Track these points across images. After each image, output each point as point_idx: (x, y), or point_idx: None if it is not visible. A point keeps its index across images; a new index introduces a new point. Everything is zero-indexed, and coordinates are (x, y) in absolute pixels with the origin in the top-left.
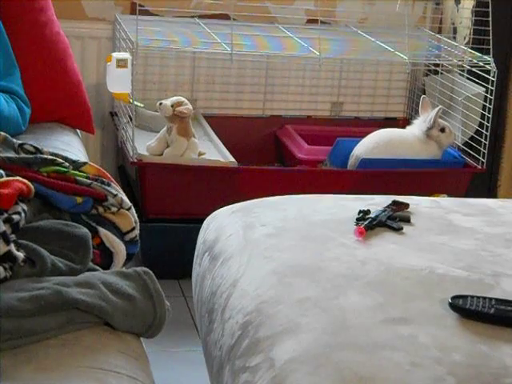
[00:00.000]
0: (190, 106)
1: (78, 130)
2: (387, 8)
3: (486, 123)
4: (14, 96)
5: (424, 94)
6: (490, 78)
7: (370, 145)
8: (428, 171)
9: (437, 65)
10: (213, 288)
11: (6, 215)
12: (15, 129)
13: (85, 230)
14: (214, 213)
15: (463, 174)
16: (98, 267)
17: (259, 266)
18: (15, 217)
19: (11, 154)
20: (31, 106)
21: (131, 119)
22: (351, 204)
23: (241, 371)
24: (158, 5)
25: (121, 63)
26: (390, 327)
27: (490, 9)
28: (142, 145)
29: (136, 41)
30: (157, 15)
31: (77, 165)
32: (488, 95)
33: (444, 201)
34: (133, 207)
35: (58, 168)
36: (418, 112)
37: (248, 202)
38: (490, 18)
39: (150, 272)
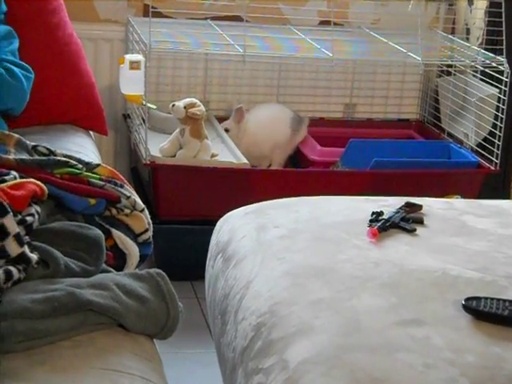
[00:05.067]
0: (202, 108)
1: (91, 132)
2: (400, 9)
3: (499, 124)
4: (13, 68)
5: (437, 95)
6: (504, 78)
7: None
8: (441, 172)
9: (450, 66)
10: (226, 289)
11: (19, 217)
12: (15, 102)
13: (98, 232)
14: (226, 214)
15: (476, 175)
16: (111, 269)
17: (272, 267)
18: (29, 218)
19: (25, 156)
20: (45, 107)
21: (144, 121)
22: (364, 205)
23: (254, 373)
24: (170, 7)
25: (134, 65)
26: (403, 329)
27: (503, 9)
28: (155, 146)
29: (149, 43)
30: (169, 17)
31: (90, 166)
32: (501, 96)
33: (457, 202)
34: (146, 209)
35: (71, 170)
36: (431, 113)
37: (261, 203)
38: (503, 19)
39: (163, 273)
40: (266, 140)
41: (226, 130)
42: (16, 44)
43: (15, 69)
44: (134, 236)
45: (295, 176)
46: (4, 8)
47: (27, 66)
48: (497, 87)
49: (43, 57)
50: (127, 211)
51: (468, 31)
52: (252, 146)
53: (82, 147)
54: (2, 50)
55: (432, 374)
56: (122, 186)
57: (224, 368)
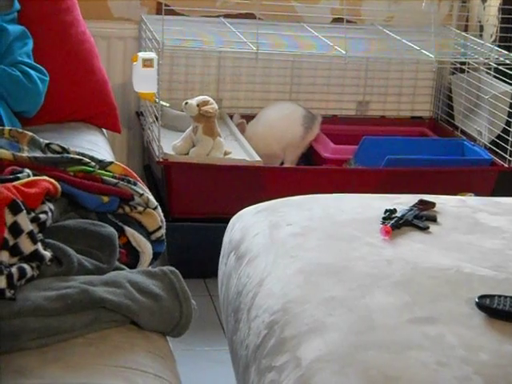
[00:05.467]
0: (215, 106)
1: (105, 130)
2: (413, 6)
3: None
4: (27, 70)
5: (450, 92)
6: None
7: None
8: (455, 170)
9: (463, 63)
10: (239, 287)
11: (33, 214)
12: (30, 104)
13: (111, 230)
14: (239, 212)
15: (490, 173)
16: (124, 266)
17: (285, 265)
18: (42, 216)
19: (38, 154)
20: (59, 105)
21: (157, 119)
22: (377, 203)
23: (267, 370)
24: (183, 4)
25: (147, 63)
26: (416, 327)
27: None
28: (168, 144)
29: (162, 40)
30: (182, 15)
31: (103, 164)
32: None
33: (471, 200)
34: (159, 206)
35: (84, 167)
36: (444, 111)
37: (274, 201)
38: None
39: (176, 271)
40: (278, 140)
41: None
42: (30, 45)
43: (31, 72)
44: (147, 234)
45: (308, 174)
46: (17, 7)
47: (42, 68)
48: (510, 84)
49: (57, 55)
50: (140, 209)
51: (481, 28)
52: (263, 146)
53: (95, 145)
54: (17, 51)
55: (445, 372)
56: (135, 184)
57: (237, 366)
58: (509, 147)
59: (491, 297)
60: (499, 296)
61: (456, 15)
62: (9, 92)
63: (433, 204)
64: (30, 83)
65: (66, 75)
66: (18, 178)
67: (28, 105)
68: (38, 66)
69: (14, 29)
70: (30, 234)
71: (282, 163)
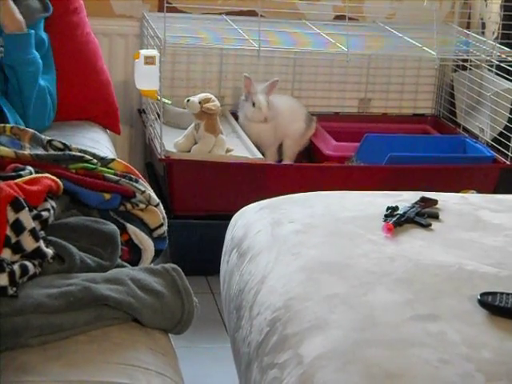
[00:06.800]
0: (217, 103)
1: None
2: (415, 4)
3: None
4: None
5: (452, 89)
6: None
7: None
8: (457, 167)
9: (465, 60)
10: (241, 284)
11: (35, 212)
12: (42, 117)
13: (113, 227)
14: (241, 209)
15: (492, 170)
16: (126, 264)
17: (287, 262)
18: (44, 213)
19: (40, 151)
20: (62, 105)
21: (159, 116)
22: (379, 200)
23: (269, 367)
24: (185, 2)
25: (148, 60)
26: (418, 324)
27: None
28: (170, 141)
29: (164, 38)
30: (184, 12)
31: (105, 161)
32: None
33: (473, 197)
34: (161, 203)
35: (86, 165)
36: (446, 108)
37: (276, 198)
38: None
39: (178, 268)
40: (281, 128)
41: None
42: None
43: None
44: (149, 231)
45: (310, 171)
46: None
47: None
48: None
49: (62, 55)
50: (142, 206)
51: (483, 25)
52: (275, 126)
53: (97, 142)
54: (42, 76)
55: (447, 370)
56: (136, 181)
57: (239, 363)
58: (511, 144)
59: (493, 294)
60: (501, 293)
61: (458, 12)
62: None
63: (435, 201)
64: (47, 118)
65: (70, 76)
66: (20, 176)
67: (37, 122)
68: (55, 96)
69: (46, 40)
70: (32, 232)
71: (281, 160)
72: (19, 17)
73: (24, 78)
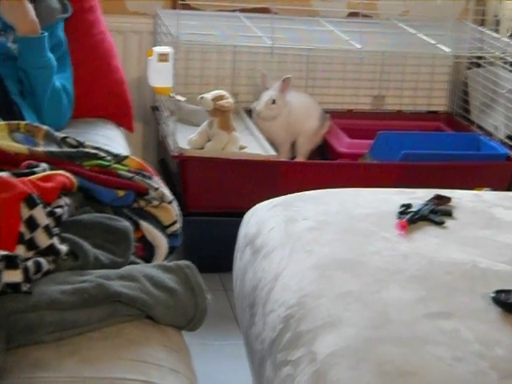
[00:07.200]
0: (230, 100)
1: None
2: (429, 1)
3: None
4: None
5: (466, 87)
6: None
7: None
8: (470, 165)
9: (479, 58)
10: (254, 282)
11: (49, 209)
12: (58, 117)
13: (127, 224)
14: (255, 206)
15: (506, 167)
16: (139, 260)
17: (301, 259)
18: (58, 210)
19: (54, 148)
20: (77, 103)
21: (172, 113)
22: (393, 198)
23: (282, 365)
24: None
25: (162, 57)
26: (432, 321)
27: None
28: (184, 139)
29: (177, 35)
30: (198, 9)
31: (119, 158)
32: None
33: (486, 194)
34: (174, 200)
35: (100, 162)
36: (460, 105)
37: (289, 195)
38: None
39: (192, 265)
40: (299, 124)
41: (273, 102)
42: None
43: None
44: (163, 228)
45: (323, 168)
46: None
47: (72, 98)
48: None
49: (78, 54)
50: (156, 203)
51: (498, 22)
52: (288, 123)
53: (111, 139)
54: (59, 75)
55: (461, 367)
56: (150, 178)
57: (252, 360)
58: None
59: (507, 291)
60: None
61: (472, 9)
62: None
63: (448, 199)
64: (62, 118)
65: (84, 74)
66: (34, 173)
67: (52, 119)
68: (72, 95)
69: (64, 42)
70: (46, 228)
71: (294, 158)
72: (33, 18)
73: (37, 81)
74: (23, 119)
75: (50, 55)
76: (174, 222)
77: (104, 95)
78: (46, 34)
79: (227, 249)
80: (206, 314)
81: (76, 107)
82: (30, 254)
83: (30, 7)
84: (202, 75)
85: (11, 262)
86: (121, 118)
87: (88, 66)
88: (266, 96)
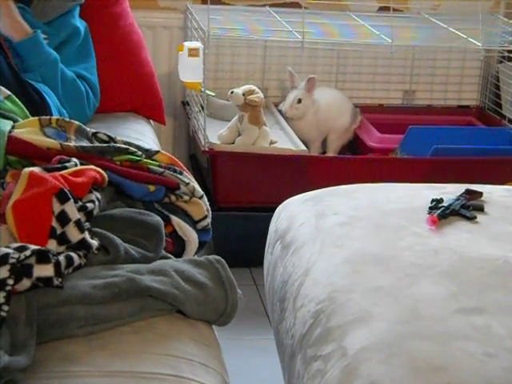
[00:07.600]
0: (261, 95)
1: (151, 120)
2: None
3: None
4: (83, 81)
5: (498, 81)
6: None
7: None
8: (502, 159)
9: (511, 51)
10: (285, 276)
11: (80, 203)
12: (80, 107)
13: (157, 219)
14: (285, 201)
15: None
16: (170, 255)
17: (331, 254)
18: (89, 205)
19: (85, 143)
20: (106, 97)
21: (203, 108)
22: (424, 193)
23: (313, 360)
24: None
25: (192, 52)
26: (463, 317)
27: None
28: (214, 133)
29: (207, 30)
30: (228, 4)
31: (149, 153)
32: None
33: None
34: (205, 195)
35: (131, 157)
36: (491, 100)
37: (319, 190)
38: None
39: (222, 260)
40: (331, 121)
41: (299, 101)
42: (93, 54)
43: (90, 94)
44: (193, 223)
45: (354, 163)
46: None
47: (97, 87)
48: None
49: (106, 46)
50: (186, 198)
51: None
52: (318, 122)
53: (142, 134)
54: (79, 65)
55: (492, 363)
56: (181, 173)
57: (282, 355)
58: None
59: None
60: None
61: (504, 2)
62: (63, 97)
63: (480, 193)
64: (87, 107)
65: (113, 67)
66: (66, 168)
67: (72, 109)
68: (95, 84)
69: (82, 29)
70: (78, 223)
71: (324, 153)
72: (21, 21)
73: (44, 78)
74: (49, 109)
75: (49, 49)
76: (205, 217)
77: (133, 88)
78: (39, 30)
79: (257, 243)
80: (237, 309)
81: (105, 101)
82: (62, 248)
83: (15, 9)
84: (232, 70)
85: (43, 257)
86: (151, 110)
87: (116, 59)
88: (292, 95)
